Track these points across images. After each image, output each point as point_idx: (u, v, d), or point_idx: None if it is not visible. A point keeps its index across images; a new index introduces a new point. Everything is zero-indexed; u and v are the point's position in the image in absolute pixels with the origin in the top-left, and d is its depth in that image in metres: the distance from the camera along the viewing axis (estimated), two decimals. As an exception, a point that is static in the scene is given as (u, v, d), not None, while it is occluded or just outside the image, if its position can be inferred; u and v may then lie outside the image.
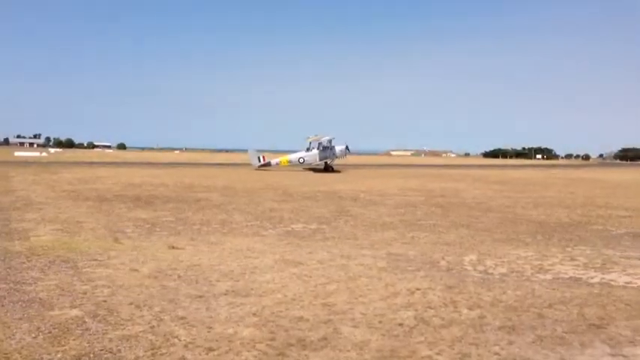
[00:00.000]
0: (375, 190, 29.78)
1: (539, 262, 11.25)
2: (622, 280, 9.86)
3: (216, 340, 6.40)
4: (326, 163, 54.29)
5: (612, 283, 9.64)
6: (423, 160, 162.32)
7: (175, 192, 25.97)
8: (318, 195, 25.88)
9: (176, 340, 6.38)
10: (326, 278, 9.48)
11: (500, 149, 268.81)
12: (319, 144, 54.51)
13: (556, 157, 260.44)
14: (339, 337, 6.62)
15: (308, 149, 55.12)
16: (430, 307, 7.88)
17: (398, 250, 12.40)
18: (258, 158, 55.55)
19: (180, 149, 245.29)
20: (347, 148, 55.62)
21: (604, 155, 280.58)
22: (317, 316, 7.40)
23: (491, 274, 10.17)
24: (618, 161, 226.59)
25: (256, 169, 53.35)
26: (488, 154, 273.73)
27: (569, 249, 12.90)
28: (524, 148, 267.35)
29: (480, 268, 10.66)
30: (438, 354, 6.12)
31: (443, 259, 11.47)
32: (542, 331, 6.98)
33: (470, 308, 7.89)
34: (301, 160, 55.45)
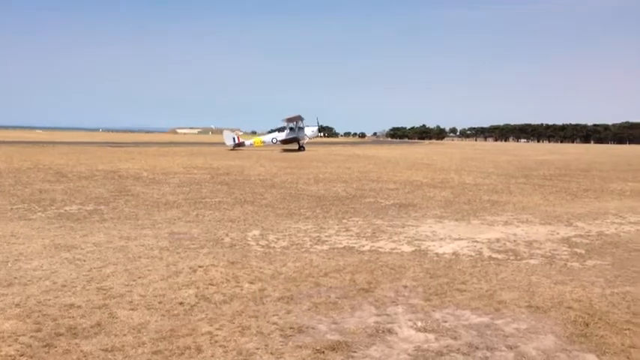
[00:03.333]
0: (159, 168, 28.88)
1: (317, 234, 11.85)
2: (388, 246, 10.81)
3: (-31, 338, 5.66)
4: (298, 142, 57.38)
5: (380, 250, 10.52)
6: (210, 138, 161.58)
7: None
8: (97, 174, 24.31)
9: None
10: (102, 261, 8.93)
11: (284, 127, 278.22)
12: (292, 125, 57.96)
13: (336, 134, 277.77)
14: (115, 321, 6.27)
15: (281, 130, 58.77)
16: (212, 284, 7.84)
17: (181, 228, 12.16)
18: (233, 138, 58.73)
19: None
20: (319, 129, 60.67)
21: (377, 133, 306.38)
22: (91, 301, 6.93)
23: (273, 247, 10.46)
24: (389, 139, 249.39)
25: (231, 150, 55.11)
26: (274, 132, 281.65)
27: (344, 220, 13.79)
28: (307, 126, 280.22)
29: (263, 242, 10.90)
30: (218, 329, 6.12)
31: (227, 235, 11.51)
32: (318, 298, 7.36)
33: (251, 282, 8.02)
34: (274, 141, 59.19)
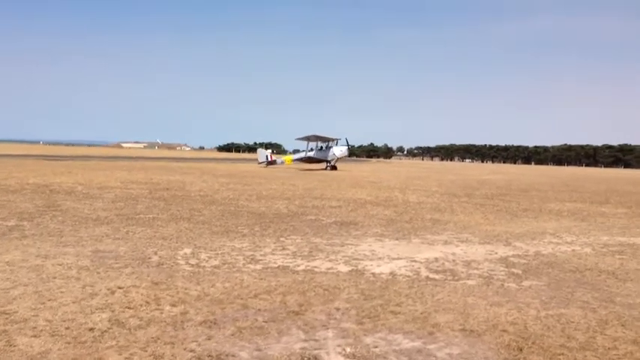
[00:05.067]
0: (96, 182, 27.76)
1: (252, 253, 11.37)
2: (324, 266, 10.42)
3: None
4: (328, 161, 59.37)
5: (315, 269, 10.10)
6: (155, 152, 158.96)
7: None
8: (26, 188, 23.11)
9: None
10: (11, 282, 8.20)
11: (233, 143, 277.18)
12: (319, 144, 60.49)
13: (284, 152, 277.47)
14: (12, 350, 5.64)
15: (311, 149, 60.56)
16: (129, 307, 7.26)
17: (107, 246, 11.46)
18: (266, 156, 62.49)
19: None
20: (348, 147, 61.93)
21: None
22: (-11, 328, 6.26)
23: (203, 267, 9.92)
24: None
25: (264, 167, 58.84)
26: (222, 148, 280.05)
27: (282, 239, 13.35)
28: (255, 143, 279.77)
29: (193, 261, 10.35)
30: (127, 358, 5.57)
31: (155, 254, 10.90)
32: (244, 322, 6.89)
33: (173, 304, 7.49)
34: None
